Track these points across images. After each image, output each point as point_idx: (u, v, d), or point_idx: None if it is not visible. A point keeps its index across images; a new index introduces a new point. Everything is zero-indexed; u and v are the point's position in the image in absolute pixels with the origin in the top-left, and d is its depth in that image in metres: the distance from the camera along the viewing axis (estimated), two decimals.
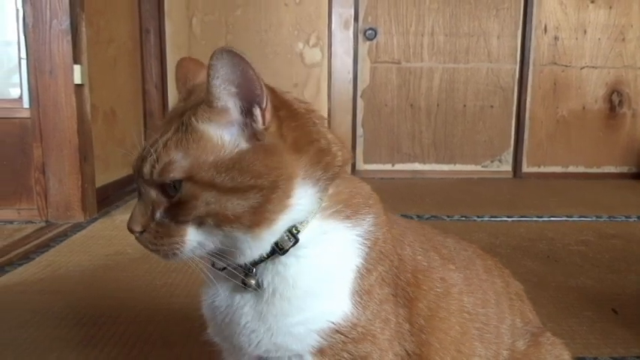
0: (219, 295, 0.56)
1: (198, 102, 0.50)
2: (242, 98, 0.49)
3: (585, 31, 3.39)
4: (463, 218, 2.37)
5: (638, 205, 2.69)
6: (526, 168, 3.50)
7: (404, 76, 3.44)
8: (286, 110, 0.52)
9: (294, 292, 0.52)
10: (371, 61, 3.42)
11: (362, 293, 0.52)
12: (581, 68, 3.42)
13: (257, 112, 0.49)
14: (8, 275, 1.60)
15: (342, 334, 0.51)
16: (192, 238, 0.49)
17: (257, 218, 0.48)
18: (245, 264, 0.52)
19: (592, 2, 3.35)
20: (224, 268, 0.54)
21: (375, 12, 3.37)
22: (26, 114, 2.18)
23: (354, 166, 3.51)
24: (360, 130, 3.51)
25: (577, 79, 3.43)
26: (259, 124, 0.49)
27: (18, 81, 2.17)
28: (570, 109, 3.46)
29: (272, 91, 0.51)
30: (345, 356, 0.52)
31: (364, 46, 3.41)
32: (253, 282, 0.52)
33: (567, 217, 2.38)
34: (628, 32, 3.39)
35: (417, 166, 3.54)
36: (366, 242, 0.54)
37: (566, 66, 3.41)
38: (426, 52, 3.41)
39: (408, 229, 0.63)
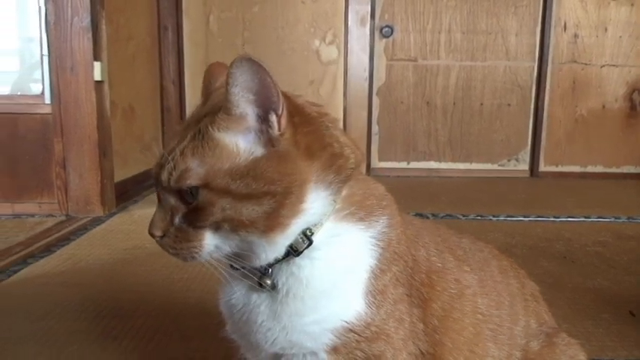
0: (235, 294, 0.57)
1: (215, 109, 0.51)
2: (259, 105, 0.50)
3: (606, 29, 3.33)
4: (479, 217, 2.35)
5: None
6: (543, 167, 3.46)
7: (420, 74, 3.43)
8: (300, 116, 0.52)
9: (308, 293, 0.53)
10: (387, 58, 3.41)
11: (376, 293, 0.53)
12: (602, 66, 3.36)
13: (273, 118, 0.49)
14: (30, 267, 1.64)
15: (355, 333, 0.52)
16: (210, 242, 0.51)
17: (271, 223, 0.50)
18: (261, 265, 0.53)
19: (613, 0, 3.29)
20: (240, 268, 0.55)
21: (391, 9, 3.36)
22: (48, 110, 2.23)
23: (369, 163, 3.51)
24: (375, 128, 3.51)
25: (597, 77, 3.38)
26: (275, 131, 0.50)
27: (40, 77, 2.21)
28: (590, 108, 3.41)
29: (287, 97, 0.52)
30: (359, 355, 0.53)
31: (380, 44, 3.40)
32: (269, 282, 0.53)
33: (585, 217, 2.35)
34: None
35: (433, 165, 3.53)
36: (379, 243, 0.55)
37: (586, 64, 3.36)
38: (442, 50, 3.39)
39: (424, 230, 0.63)
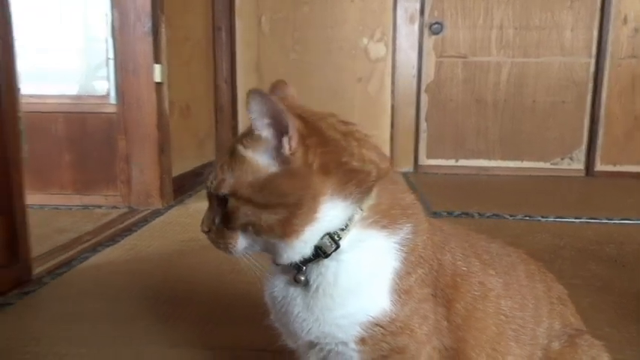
0: (277, 287, 0.65)
1: (249, 130, 0.60)
2: (274, 128, 0.57)
3: None
4: (527, 218, 2.32)
5: None
6: (599, 166, 3.34)
7: (470, 71, 3.39)
8: (316, 137, 0.59)
9: (335, 290, 0.59)
10: (436, 55, 3.40)
11: (401, 292, 0.59)
12: None
13: (285, 140, 0.57)
14: (98, 255, 1.80)
15: (381, 327, 0.58)
16: (242, 241, 0.60)
17: (286, 230, 0.57)
18: (296, 263, 0.61)
19: None
20: (275, 265, 0.64)
21: (441, 5, 3.34)
22: (112, 109, 2.40)
23: (416, 161, 3.52)
24: (423, 125, 3.51)
25: None
26: (286, 151, 0.57)
27: (106, 79, 2.39)
28: None
29: (305, 121, 0.59)
30: (385, 346, 0.59)
31: (429, 41, 3.39)
32: (302, 279, 0.61)
33: None
34: None
35: (482, 163, 3.49)
36: (403, 248, 0.60)
37: None
38: (494, 46, 3.34)
39: (452, 236, 0.68)
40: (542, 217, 2.33)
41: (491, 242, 0.75)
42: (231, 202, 0.58)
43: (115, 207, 2.46)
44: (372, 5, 3.34)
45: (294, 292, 0.62)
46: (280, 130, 0.56)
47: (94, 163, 2.47)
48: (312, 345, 0.63)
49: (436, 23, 3.34)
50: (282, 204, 0.56)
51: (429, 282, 0.61)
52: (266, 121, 0.57)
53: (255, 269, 0.62)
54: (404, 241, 0.60)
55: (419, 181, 3.23)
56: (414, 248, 0.61)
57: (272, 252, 0.61)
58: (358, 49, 3.41)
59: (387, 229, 0.60)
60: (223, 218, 0.60)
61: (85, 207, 2.47)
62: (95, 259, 1.76)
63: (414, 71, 3.40)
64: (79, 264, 1.70)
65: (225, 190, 0.58)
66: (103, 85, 2.41)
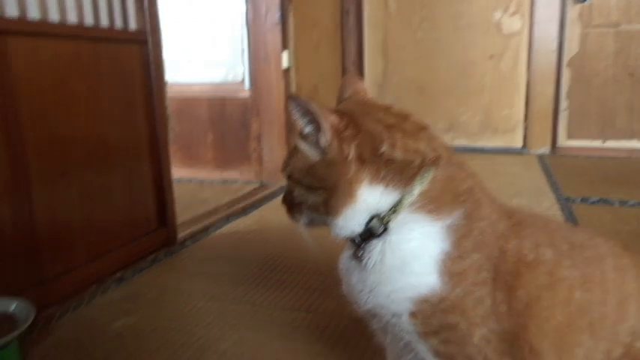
0: (345, 260, 0.74)
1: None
2: (312, 125, 0.66)
3: None
4: None
5: None
6: None
7: (622, 42, 3.01)
8: (352, 130, 0.66)
9: (382, 268, 0.65)
10: (582, 25, 3.08)
11: (451, 274, 0.61)
12: None
13: (320, 134, 0.65)
14: (230, 224, 2.04)
15: (430, 303, 0.62)
16: (304, 215, 0.72)
17: (327, 209, 0.66)
18: (355, 240, 0.68)
19: None
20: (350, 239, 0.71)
21: None
22: (247, 95, 2.65)
23: (554, 141, 3.26)
24: (563, 103, 3.22)
25: None
26: (323, 143, 0.65)
27: (241, 67, 2.64)
28: None
29: (341, 116, 0.66)
30: (435, 322, 0.62)
31: (574, 10, 3.07)
32: (358, 254, 0.68)
33: None
34: None
35: (636, 144, 3.10)
36: (452, 233, 0.63)
37: None
38: None
39: (524, 224, 0.67)
40: None
41: (577, 232, 0.73)
42: (290, 184, 0.71)
43: (248, 182, 2.73)
44: None
45: (354, 265, 0.70)
46: (315, 126, 0.66)
47: (232, 142, 2.76)
48: (372, 315, 0.69)
49: None
50: (322, 187, 0.66)
51: (488, 267, 0.62)
52: (305, 119, 0.66)
53: (307, 241, 0.73)
54: (454, 226, 0.63)
55: (556, 163, 2.99)
56: (467, 234, 0.63)
57: (325, 226, 0.70)
58: (490, 24, 3.23)
59: (433, 213, 0.63)
60: (291, 196, 0.72)
61: (224, 181, 2.78)
62: (228, 227, 2.01)
63: (554, 44, 3.12)
64: (214, 231, 1.96)
65: (286, 172, 0.71)
66: (239, 72, 2.66)
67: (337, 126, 0.65)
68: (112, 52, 1.54)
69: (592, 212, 2.08)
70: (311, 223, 0.72)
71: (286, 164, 0.71)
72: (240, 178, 2.76)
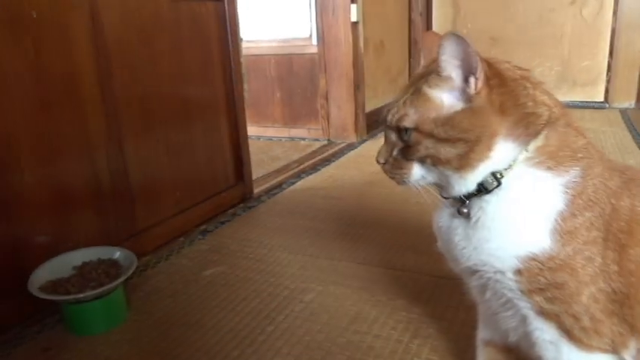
0: (443, 218, 0.72)
1: (429, 72, 0.65)
2: (462, 69, 0.61)
3: None
4: None
5: None
6: None
7: None
8: (498, 79, 0.61)
9: (493, 224, 0.64)
10: None
11: (563, 233, 0.60)
12: None
13: (472, 80, 0.60)
14: (302, 181, 2.08)
15: (538, 261, 0.60)
16: (416, 171, 0.66)
17: (462, 163, 0.62)
18: (460, 196, 0.66)
19: None
20: (442, 198, 0.70)
21: None
22: (314, 50, 2.63)
23: None
24: None
25: None
26: (472, 90, 0.61)
27: (308, 22, 2.60)
28: None
29: (487, 64, 0.61)
30: (542, 280, 0.61)
31: None
32: (465, 211, 0.66)
33: None
34: None
35: None
36: (568, 190, 0.60)
37: None
38: None
39: (638, 182, 0.64)
40: None
41: None
42: (414, 136, 0.64)
43: (316, 139, 2.75)
44: None
45: (457, 223, 0.68)
46: (468, 71, 0.61)
47: (299, 99, 2.76)
48: (473, 272, 0.69)
49: None
50: (462, 139, 0.61)
51: (599, 225, 0.60)
52: (456, 62, 0.61)
53: (425, 198, 0.68)
54: (570, 184, 0.61)
55: None
56: (581, 191, 0.61)
57: (443, 184, 0.66)
58: None
59: (552, 170, 0.61)
60: (403, 150, 0.67)
61: (292, 139, 2.81)
62: (300, 183, 2.05)
63: None
64: (287, 187, 2.01)
65: (408, 123, 0.64)
66: (306, 28, 2.63)
67: (487, 73, 0.61)
68: (190, 10, 1.56)
69: None
70: (421, 181, 0.67)
71: (402, 114, 0.65)
72: (308, 136, 2.79)
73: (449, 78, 0.62)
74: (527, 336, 0.68)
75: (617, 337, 0.63)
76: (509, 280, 0.64)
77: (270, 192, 1.94)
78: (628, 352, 0.63)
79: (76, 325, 1.09)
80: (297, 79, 2.73)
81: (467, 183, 0.64)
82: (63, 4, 1.17)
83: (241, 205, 1.81)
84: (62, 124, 1.19)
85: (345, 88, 2.59)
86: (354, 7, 2.45)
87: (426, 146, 0.63)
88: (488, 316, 0.78)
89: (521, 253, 0.62)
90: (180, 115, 1.55)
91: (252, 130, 2.82)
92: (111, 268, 1.15)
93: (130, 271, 1.11)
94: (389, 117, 0.68)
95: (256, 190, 1.93)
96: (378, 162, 0.71)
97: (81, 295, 1.04)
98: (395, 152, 0.68)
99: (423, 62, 0.75)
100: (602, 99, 3.16)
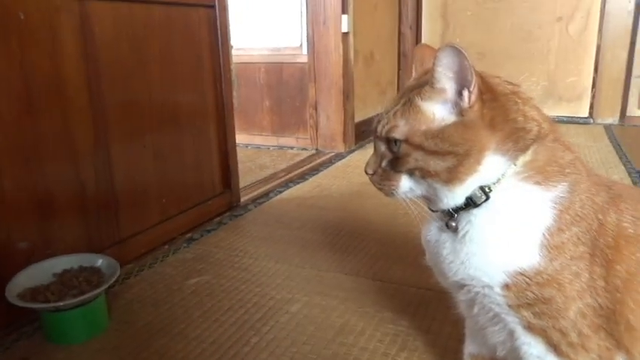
0: (431, 231, 0.72)
1: (422, 84, 0.64)
2: (456, 82, 0.61)
3: None
4: None
5: None
6: None
7: None
8: (490, 94, 0.62)
9: (481, 238, 0.64)
10: None
11: (550, 248, 0.60)
12: None
13: (465, 94, 0.60)
14: (290, 190, 2.07)
15: (526, 276, 0.60)
16: (405, 183, 0.66)
17: (451, 176, 0.62)
18: (448, 210, 0.66)
19: None
20: (430, 211, 0.69)
21: None
22: (304, 59, 2.63)
23: (623, 110, 3.09)
24: (637, 70, 3.02)
25: None
26: (465, 104, 0.61)
27: (299, 31, 2.61)
28: None
29: (480, 77, 0.61)
30: (529, 295, 0.61)
31: None
32: (453, 225, 0.66)
33: None
34: None
35: None
36: (556, 205, 0.61)
37: None
38: None
39: (623, 197, 0.64)
40: None
41: None
42: (404, 148, 0.63)
43: (304, 148, 2.74)
44: None
45: (445, 237, 0.68)
46: (462, 84, 0.60)
47: (288, 108, 2.76)
48: (460, 286, 0.68)
49: None
50: (452, 153, 0.61)
51: (586, 241, 0.60)
52: (451, 75, 0.60)
53: (412, 210, 0.68)
54: (558, 199, 0.61)
55: (624, 134, 2.84)
56: (569, 206, 0.61)
57: (432, 196, 0.66)
58: None
59: (540, 185, 0.61)
60: (391, 162, 0.66)
61: (280, 147, 2.80)
62: (287, 193, 2.04)
63: (631, 6, 2.91)
64: (274, 196, 1.99)
65: (398, 135, 0.64)
66: (297, 37, 2.64)
67: (480, 87, 0.61)
68: (182, 17, 1.55)
69: None
70: (410, 193, 0.66)
71: (391, 125, 0.64)
72: (296, 145, 2.78)
73: (442, 90, 0.62)
74: (514, 350, 0.68)
75: (604, 352, 0.63)
76: (497, 295, 0.64)
77: (257, 201, 1.93)
78: None
79: (55, 334, 1.06)
80: (287, 87, 2.73)
81: (455, 196, 0.64)
82: (52, 7, 1.16)
83: (228, 213, 1.80)
84: (46, 127, 1.17)
85: (334, 98, 2.60)
86: (345, 17, 2.47)
87: (415, 158, 0.63)
88: (475, 330, 0.78)
89: (509, 267, 0.62)
90: (168, 121, 1.54)
91: (240, 137, 2.80)
92: (92, 275, 1.12)
93: (113, 280, 1.08)
94: (379, 128, 0.67)
95: (243, 199, 1.92)
96: (366, 172, 0.70)
97: (60, 304, 1.02)
98: (384, 163, 0.67)
99: (414, 74, 0.75)
100: (586, 114, 3.20)
